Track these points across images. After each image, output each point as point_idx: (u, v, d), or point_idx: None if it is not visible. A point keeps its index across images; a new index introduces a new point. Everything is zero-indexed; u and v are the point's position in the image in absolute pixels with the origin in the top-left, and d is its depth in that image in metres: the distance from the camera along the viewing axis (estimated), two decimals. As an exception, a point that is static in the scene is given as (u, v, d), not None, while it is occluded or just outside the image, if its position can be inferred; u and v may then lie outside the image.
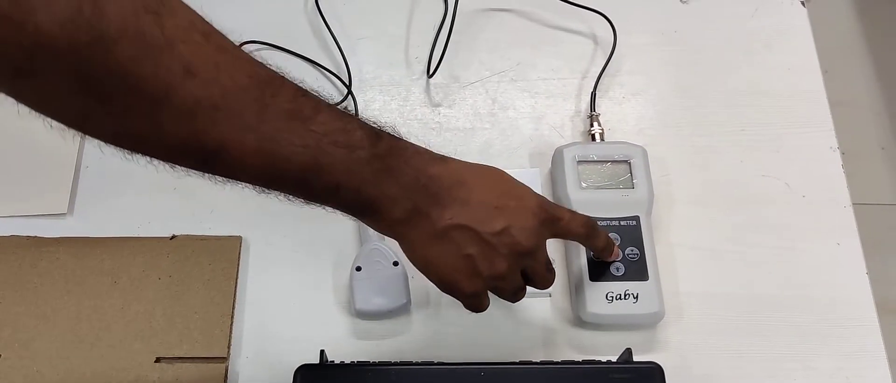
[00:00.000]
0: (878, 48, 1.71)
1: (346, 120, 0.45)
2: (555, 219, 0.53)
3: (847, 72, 1.67)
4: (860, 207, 0.68)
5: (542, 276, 0.55)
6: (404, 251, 0.50)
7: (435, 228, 0.48)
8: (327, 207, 0.47)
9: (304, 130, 0.42)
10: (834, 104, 0.72)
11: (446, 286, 0.51)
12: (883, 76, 1.68)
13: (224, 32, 0.42)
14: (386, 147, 0.46)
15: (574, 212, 0.55)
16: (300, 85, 0.43)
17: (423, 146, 0.49)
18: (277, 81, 0.42)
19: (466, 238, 0.49)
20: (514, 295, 0.55)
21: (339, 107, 0.45)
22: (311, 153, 0.43)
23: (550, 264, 0.55)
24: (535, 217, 0.51)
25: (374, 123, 0.47)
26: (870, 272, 0.64)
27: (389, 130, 0.48)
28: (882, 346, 0.61)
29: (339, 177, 0.44)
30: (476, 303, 0.53)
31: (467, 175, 0.50)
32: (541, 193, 0.65)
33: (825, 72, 0.74)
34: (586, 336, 0.61)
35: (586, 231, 0.55)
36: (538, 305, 0.63)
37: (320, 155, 0.43)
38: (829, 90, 0.73)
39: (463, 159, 0.51)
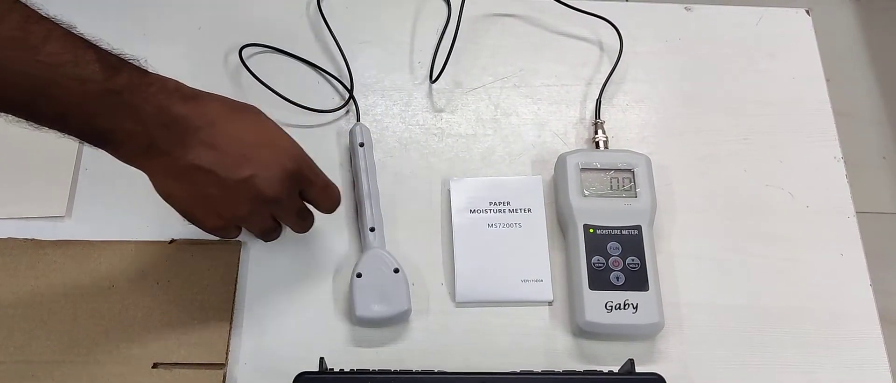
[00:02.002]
0: (880, 58, 1.71)
1: (80, 52, 0.45)
2: (307, 181, 0.55)
3: (849, 81, 1.67)
4: (862, 216, 0.67)
5: (292, 223, 0.58)
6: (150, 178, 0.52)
7: (176, 166, 0.49)
8: (63, 133, 0.48)
9: (29, 60, 0.43)
10: (836, 114, 0.72)
11: (186, 217, 0.53)
12: (885, 86, 1.68)
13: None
14: (125, 81, 0.46)
15: (329, 184, 0.57)
16: (36, 11, 0.44)
17: (174, 82, 0.50)
18: (3, 8, 0.43)
19: (208, 180, 0.50)
20: (265, 235, 0.58)
21: (81, 36, 0.46)
22: (34, 82, 0.44)
23: (305, 212, 0.57)
24: (284, 170, 0.52)
25: (121, 55, 0.47)
26: (873, 283, 0.64)
27: (138, 64, 0.48)
28: (885, 358, 0.61)
29: (66, 107, 0.45)
30: (221, 235, 0.55)
31: (219, 118, 0.51)
32: (543, 201, 0.66)
33: (827, 80, 0.74)
34: (587, 346, 0.61)
35: (328, 207, 0.58)
36: (538, 314, 0.62)
37: (46, 85, 0.44)
38: (831, 100, 0.73)
39: (219, 100, 0.52)
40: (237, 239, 0.64)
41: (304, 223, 0.59)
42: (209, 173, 0.50)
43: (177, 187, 0.51)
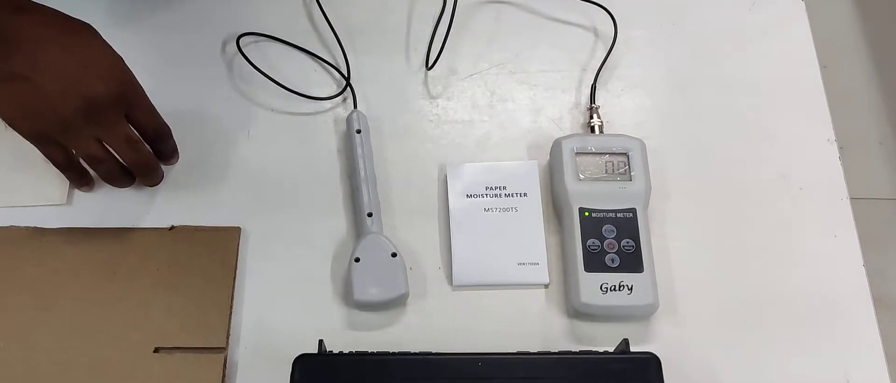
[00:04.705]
0: (876, 42, 1.71)
1: None
2: (131, 104, 0.57)
3: (844, 65, 1.67)
4: (857, 201, 0.68)
5: (121, 150, 0.59)
6: None
7: None
8: None
9: None
10: (831, 97, 0.72)
11: (7, 121, 0.56)
12: (881, 69, 1.68)
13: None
14: None
15: (154, 111, 0.59)
16: None
17: None
18: None
19: (26, 89, 0.52)
20: (111, 178, 0.61)
21: None
22: None
23: (135, 141, 0.59)
24: (105, 86, 0.54)
25: None
26: (866, 266, 0.65)
27: None
28: (878, 340, 0.61)
29: None
30: (43, 149, 0.58)
31: (48, 30, 0.53)
32: (539, 186, 0.66)
33: (823, 66, 0.74)
34: (583, 327, 0.62)
35: (154, 135, 0.61)
36: (534, 297, 0.63)
37: None
38: (826, 83, 0.73)
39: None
40: (236, 226, 0.64)
41: (135, 154, 0.60)
42: (28, 82, 0.52)
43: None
